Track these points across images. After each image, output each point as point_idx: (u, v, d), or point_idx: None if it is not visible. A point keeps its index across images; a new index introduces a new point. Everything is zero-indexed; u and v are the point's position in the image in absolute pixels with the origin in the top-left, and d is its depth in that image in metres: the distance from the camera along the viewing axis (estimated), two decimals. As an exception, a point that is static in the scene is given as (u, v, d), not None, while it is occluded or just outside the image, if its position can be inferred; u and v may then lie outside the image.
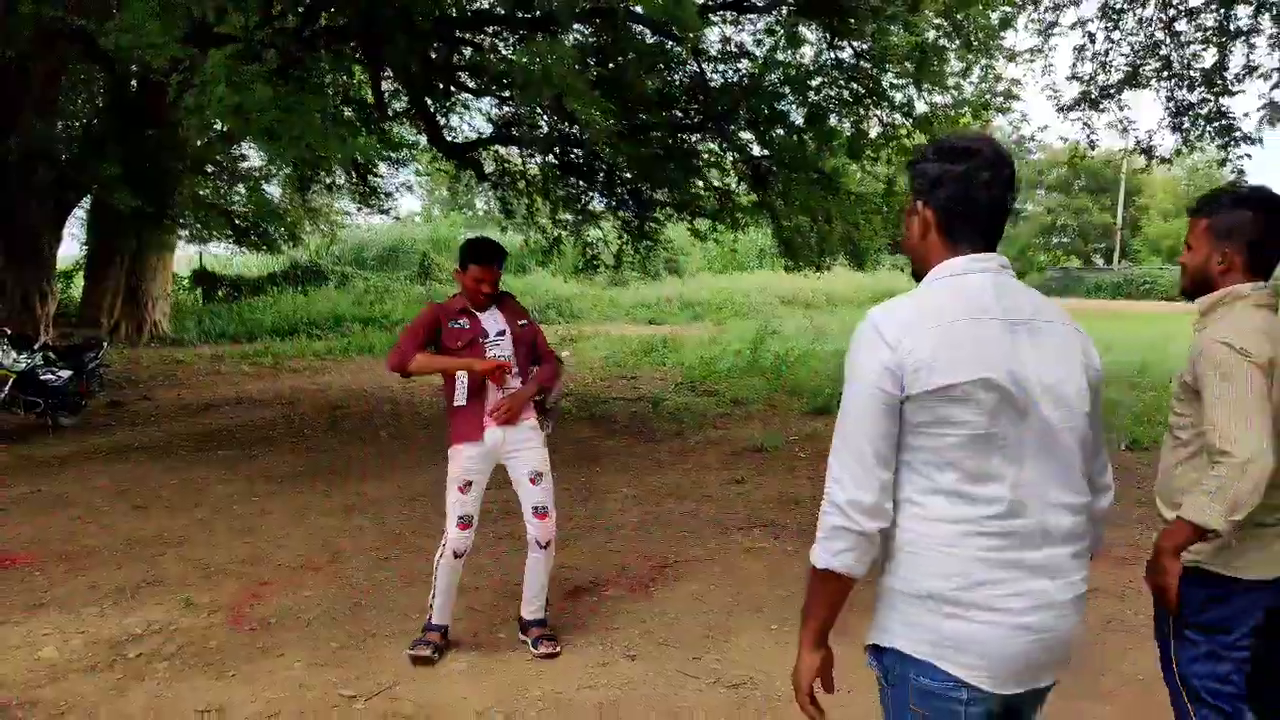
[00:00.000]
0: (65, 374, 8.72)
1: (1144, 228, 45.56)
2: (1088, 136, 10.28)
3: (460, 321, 3.91)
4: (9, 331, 8.72)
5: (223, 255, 25.01)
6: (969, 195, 1.78)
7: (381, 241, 26.35)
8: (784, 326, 16.63)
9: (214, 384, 11.76)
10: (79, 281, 17.79)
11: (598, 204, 13.27)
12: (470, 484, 3.81)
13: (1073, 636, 1.76)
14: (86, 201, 16.53)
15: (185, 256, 23.84)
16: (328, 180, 14.52)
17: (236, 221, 19.54)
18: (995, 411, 1.67)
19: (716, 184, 11.76)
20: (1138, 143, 10.12)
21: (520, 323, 4.02)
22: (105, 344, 9.77)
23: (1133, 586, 4.65)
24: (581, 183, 12.36)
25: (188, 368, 13.05)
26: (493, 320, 3.95)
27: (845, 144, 10.43)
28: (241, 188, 19.06)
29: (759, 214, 11.50)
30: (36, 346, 8.72)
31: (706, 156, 11.69)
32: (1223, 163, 9.65)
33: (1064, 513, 1.74)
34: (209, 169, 17.49)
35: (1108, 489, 1.98)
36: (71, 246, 21.18)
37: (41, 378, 8.52)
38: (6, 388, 8.18)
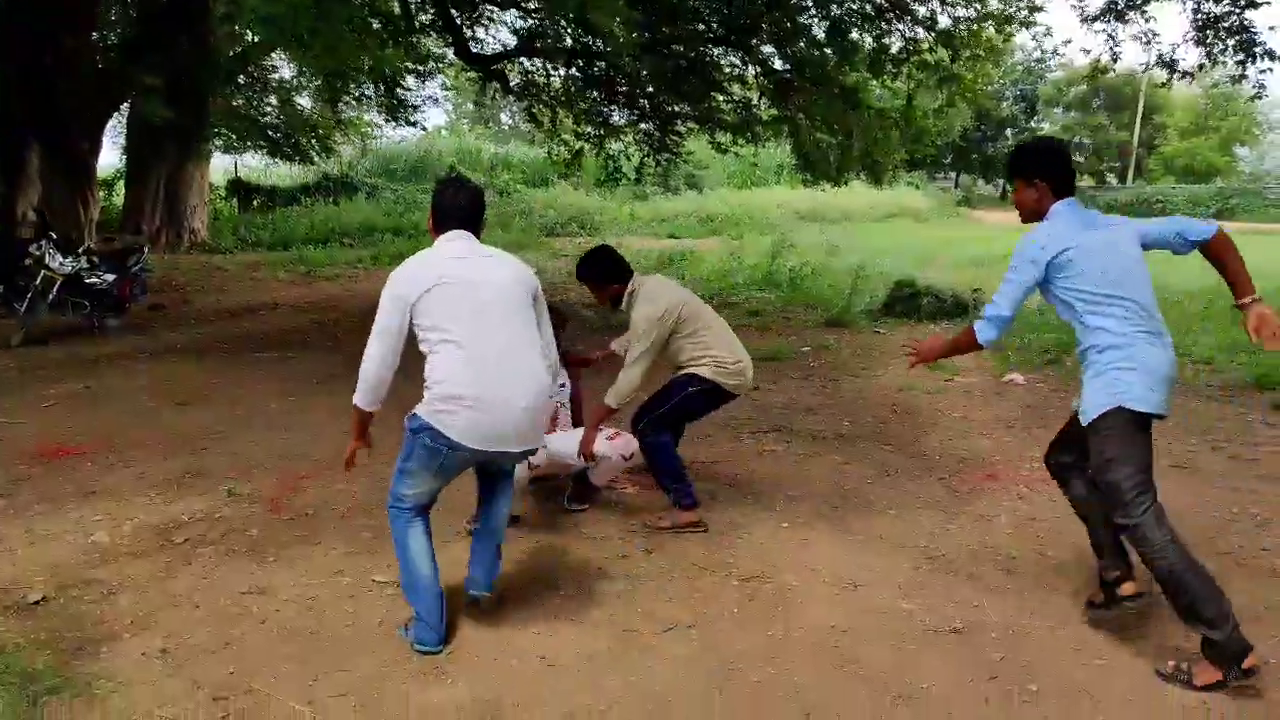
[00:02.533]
0: (109, 277, 8.75)
1: (1160, 146, 44.28)
2: (1111, 49, 9.88)
3: None
4: (54, 236, 8.72)
5: (257, 167, 24.86)
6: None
7: (410, 154, 26.02)
8: (800, 241, 16.37)
9: (251, 290, 11.79)
10: (121, 190, 17.74)
11: (619, 118, 13.00)
12: None
13: (521, 427, 3.01)
14: (126, 111, 16.42)
15: (221, 167, 23.69)
16: (356, 92, 14.25)
17: (270, 133, 19.34)
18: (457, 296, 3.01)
19: (737, 98, 11.46)
20: (1160, 56, 9.71)
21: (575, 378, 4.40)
22: (146, 249, 9.78)
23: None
24: (604, 96, 12.08)
25: (225, 274, 13.08)
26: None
27: (866, 59, 10.10)
28: (273, 99, 18.79)
29: (779, 128, 11.23)
30: (81, 251, 8.74)
31: (728, 70, 11.37)
32: (1241, 78, 9.26)
33: (520, 354, 3.05)
34: (241, 80, 17.21)
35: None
36: (115, 156, 21.13)
37: (86, 281, 8.56)
38: (54, 290, 8.23)
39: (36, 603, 3.30)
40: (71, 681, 2.80)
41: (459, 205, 3.22)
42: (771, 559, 3.79)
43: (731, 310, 10.54)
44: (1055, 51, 42.59)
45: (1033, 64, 42.65)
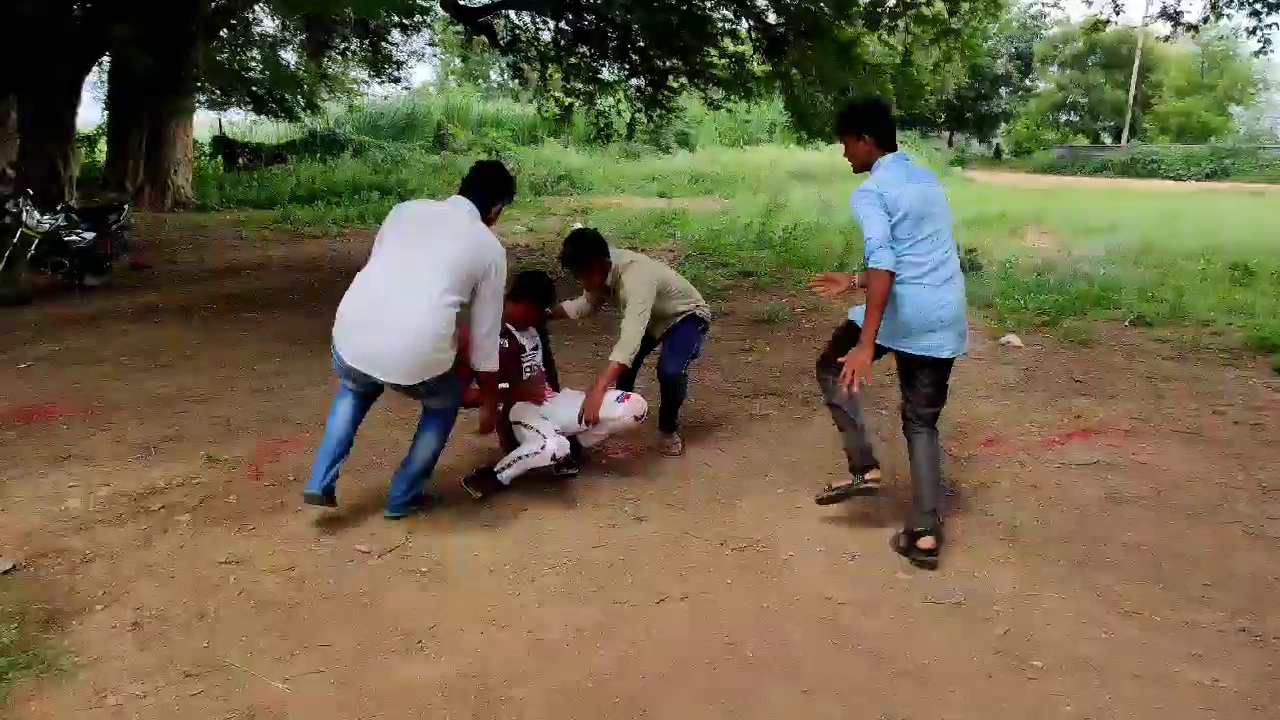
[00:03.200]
0: (89, 235, 8.50)
1: (1156, 105, 43.90)
2: (1113, 2, 9.62)
3: (501, 341, 3.86)
4: (31, 192, 8.46)
5: (243, 124, 24.39)
6: None
7: (398, 111, 25.55)
8: (792, 200, 16.15)
9: (236, 249, 11.53)
10: (104, 147, 17.35)
11: (610, 73, 12.71)
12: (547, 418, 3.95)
13: (385, 358, 3.29)
14: (108, 67, 16.00)
15: (206, 124, 23.22)
16: (341, 46, 13.87)
17: (254, 89, 18.93)
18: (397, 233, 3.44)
19: (730, 53, 11.18)
20: (1164, 8, 9.47)
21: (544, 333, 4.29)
22: (127, 206, 9.52)
23: (1135, 458, 4.54)
24: (594, 50, 11.77)
25: (210, 233, 12.79)
26: (528, 337, 4.09)
27: (862, 12, 9.83)
28: (257, 54, 18.35)
29: (773, 84, 10.97)
30: (59, 208, 8.49)
31: (721, 24, 11.06)
32: (1253, 31, 9.04)
33: (407, 296, 3.26)
34: (224, 33, 16.77)
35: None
36: (97, 111, 20.64)
37: (66, 239, 8.31)
38: (32, 248, 7.99)
39: (6, 572, 3.16)
40: (39, 656, 2.67)
41: (466, 176, 3.61)
42: (766, 527, 3.68)
43: (724, 271, 10.38)
44: (1055, 2, 41.89)
45: (1028, 20, 42.07)
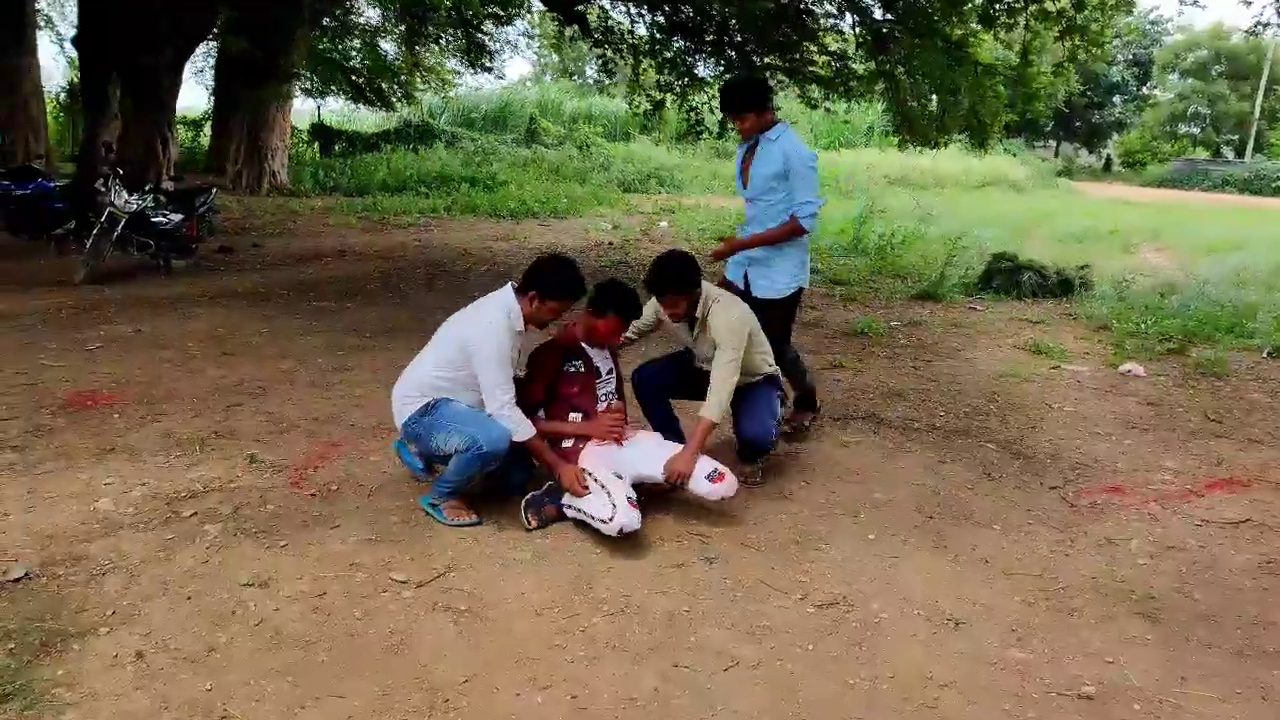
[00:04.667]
0: (176, 217, 8.48)
1: (1283, 120, 41.10)
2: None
3: (575, 364, 3.62)
4: (121, 172, 8.46)
5: (341, 113, 24.74)
6: None
7: (491, 103, 25.55)
8: (889, 206, 15.38)
9: (321, 235, 11.48)
10: (208, 131, 17.71)
11: (704, 69, 12.23)
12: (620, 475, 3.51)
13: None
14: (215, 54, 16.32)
15: (306, 112, 23.62)
16: (436, 34, 13.75)
17: (353, 77, 19.08)
18: None
19: (832, 49, 10.57)
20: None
21: (616, 354, 3.89)
22: (215, 189, 9.50)
23: (1290, 520, 3.87)
24: (689, 44, 11.32)
25: (299, 218, 12.82)
26: (602, 359, 3.69)
27: (978, 8, 9.12)
28: (357, 43, 18.47)
29: (875, 83, 10.33)
30: (147, 189, 8.48)
31: (823, 19, 10.47)
32: None
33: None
34: (325, 21, 16.91)
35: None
36: (204, 97, 21.18)
37: (152, 220, 8.29)
38: (119, 228, 7.98)
39: (17, 580, 2.90)
40: (27, 688, 2.38)
41: None
42: (855, 581, 3.18)
43: (814, 278, 9.75)
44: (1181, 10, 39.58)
45: (1147, 26, 39.85)
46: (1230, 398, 5.82)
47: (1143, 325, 7.72)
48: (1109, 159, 41.97)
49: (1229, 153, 41.86)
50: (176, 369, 5.37)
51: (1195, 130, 43.50)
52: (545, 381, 3.63)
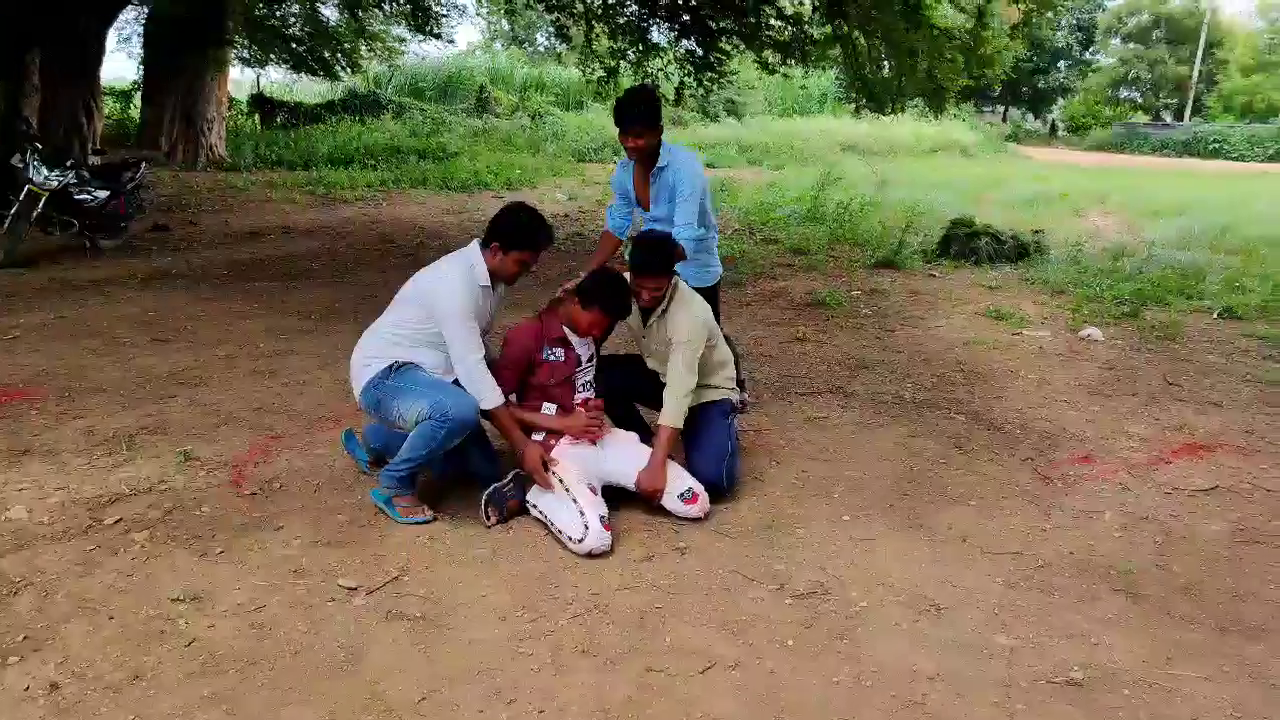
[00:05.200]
0: (102, 194, 7.98)
1: (1220, 83, 41.80)
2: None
3: (556, 352, 3.32)
4: (40, 147, 7.95)
5: (282, 83, 23.90)
6: None
7: (440, 73, 24.86)
8: (846, 174, 15.26)
9: (263, 212, 11.00)
10: (139, 102, 16.93)
11: (659, 35, 11.92)
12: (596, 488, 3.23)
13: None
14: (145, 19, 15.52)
15: (246, 82, 22.78)
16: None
17: (293, 45, 18.34)
18: None
19: (788, 13, 10.34)
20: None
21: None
22: (145, 164, 8.99)
23: (1260, 484, 3.81)
24: (643, 9, 11.00)
25: (240, 193, 12.29)
26: (584, 345, 3.40)
27: (933, -32, 8.95)
28: (295, 8, 17.73)
29: (832, 47, 10.13)
30: (68, 164, 7.98)
31: (778, -19, 10.22)
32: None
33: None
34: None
35: None
36: (132, 67, 20.23)
37: (76, 197, 7.80)
38: (39, 206, 7.49)
39: (-80, 602, 2.62)
40: (-74, 727, 2.12)
41: None
42: (831, 566, 3.03)
43: (774, 248, 9.66)
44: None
45: (1091, -9, 40.17)
46: (1186, 360, 5.79)
47: (1098, 289, 7.70)
48: (1054, 124, 42.37)
49: (1168, 116, 42.54)
50: (102, 358, 5.03)
51: (1136, 95, 44.08)
52: (519, 367, 3.36)
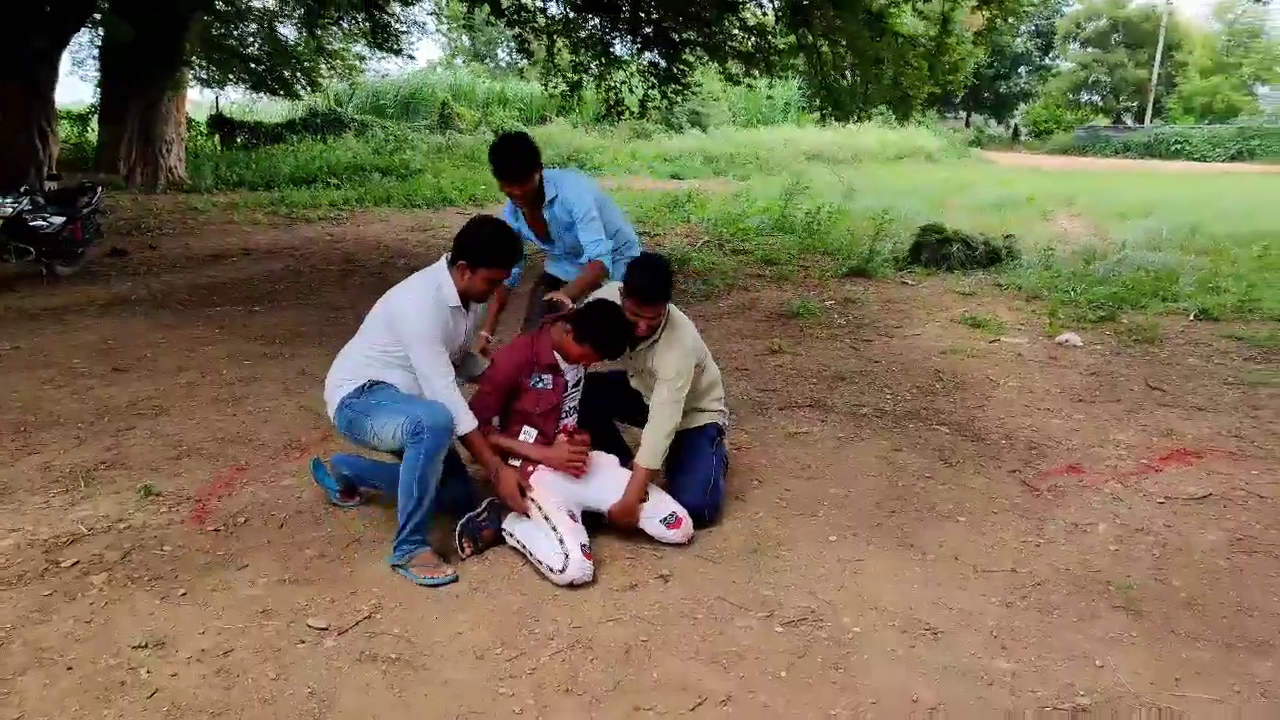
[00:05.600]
0: (58, 220, 7.77)
1: (1180, 85, 42.61)
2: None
3: (544, 379, 3.18)
4: (-9, 174, 7.73)
5: (242, 103, 23.63)
6: None
7: (401, 89, 24.71)
8: (812, 183, 15.29)
9: (225, 234, 10.79)
10: (95, 126, 16.61)
11: (622, 47, 11.89)
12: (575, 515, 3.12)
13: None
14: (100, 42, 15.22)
15: (206, 104, 22.48)
16: (336, 14, 13.05)
17: (252, 65, 18.14)
18: None
19: (752, 23, 10.34)
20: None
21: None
22: (100, 188, 8.77)
23: (1253, 490, 3.78)
24: (605, 22, 10.95)
25: (200, 215, 12.06)
26: (574, 370, 3.23)
27: (896, -23, 8.99)
28: (253, 27, 17.54)
29: (796, 56, 10.14)
30: (22, 190, 7.76)
31: (742, -8, 10.22)
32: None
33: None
34: (219, 5, 15.96)
35: None
36: (89, 90, 19.88)
37: (31, 224, 7.59)
38: (-7, 234, 7.28)
39: None
40: None
41: None
42: (821, 591, 2.94)
43: (744, 259, 9.62)
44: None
45: (1049, -1, 40.86)
46: (1167, 364, 5.79)
47: (1073, 293, 7.72)
48: (1016, 128, 42.97)
49: (1129, 119, 43.29)
50: (60, 390, 4.85)
51: (1096, 98, 44.83)
52: (504, 392, 3.21)
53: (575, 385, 3.31)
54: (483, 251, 3.05)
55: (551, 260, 4.17)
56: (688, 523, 3.19)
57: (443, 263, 3.14)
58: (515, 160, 3.62)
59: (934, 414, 4.75)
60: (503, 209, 3.96)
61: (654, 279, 3.18)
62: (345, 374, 3.17)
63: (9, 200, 7.45)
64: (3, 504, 3.43)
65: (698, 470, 3.36)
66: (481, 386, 3.27)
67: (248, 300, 7.29)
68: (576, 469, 3.17)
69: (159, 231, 10.70)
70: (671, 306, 3.36)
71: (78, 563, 3.01)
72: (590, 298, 3.46)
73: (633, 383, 3.54)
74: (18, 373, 5.11)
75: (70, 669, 2.45)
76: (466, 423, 3.07)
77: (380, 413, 3.03)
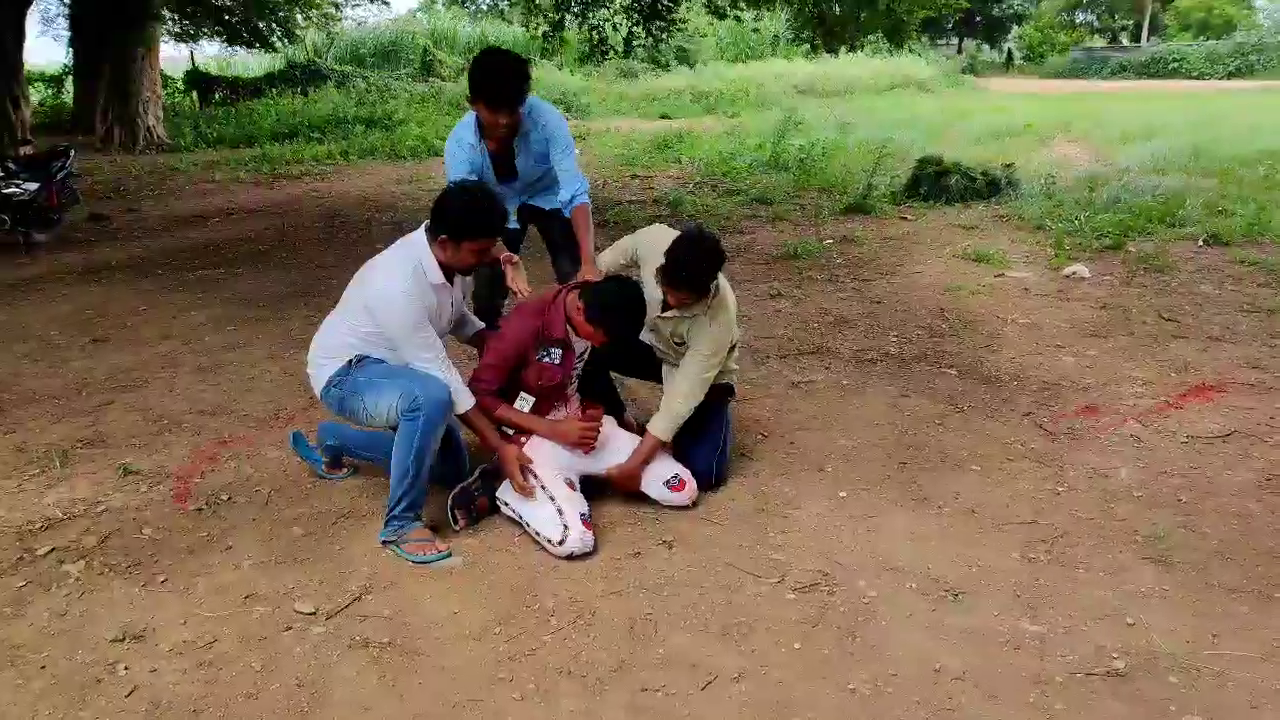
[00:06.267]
0: (31, 186, 7.49)
1: (1175, 1, 41.55)
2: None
3: (553, 354, 2.93)
4: (-43, 141, 7.43)
5: (219, 57, 22.99)
6: None
7: (381, 38, 24.01)
8: (804, 117, 14.89)
9: (206, 194, 10.48)
10: (71, 87, 16.16)
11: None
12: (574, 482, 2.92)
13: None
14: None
15: (181, 60, 21.86)
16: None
17: (225, 17, 17.56)
18: None
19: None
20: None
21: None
22: (73, 151, 8.45)
23: (1278, 424, 3.62)
24: (587, -44, 10.50)
25: (180, 176, 11.72)
26: (583, 343, 2.97)
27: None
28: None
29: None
30: (-9, 157, 7.47)
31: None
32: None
33: None
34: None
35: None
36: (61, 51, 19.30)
37: (4, 191, 7.32)
38: (-37, 203, 7.01)
39: None
40: None
41: None
42: (834, 552, 2.79)
43: (737, 198, 9.34)
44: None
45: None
46: (1179, 293, 5.60)
47: (1077, 222, 7.49)
48: (1010, 53, 42.04)
49: (1125, 39, 42.33)
50: (37, 364, 4.65)
51: (1092, 17, 43.78)
52: (509, 365, 2.98)
53: (581, 356, 3.10)
54: (465, 223, 2.76)
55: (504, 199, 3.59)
56: (692, 485, 3.03)
57: (421, 235, 2.86)
58: (513, 84, 3.11)
59: (941, 356, 4.57)
60: (452, 139, 3.42)
61: (694, 265, 2.85)
62: (328, 352, 2.96)
63: (-23, 169, 7.16)
64: (-26, 490, 3.26)
65: (708, 433, 3.16)
66: (484, 357, 3.05)
67: (231, 263, 7.05)
68: (588, 444, 2.97)
69: (139, 193, 10.39)
70: (720, 276, 3.05)
71: (53, 550, 2.85)
72: (605, 263, 3.26)
73: (647, 337, 3.27)
74: (-8, 348, 4.91)
75: (44, 668, 2.31)
76: (465, 401, 2.87)
77: (372, 390, 2.83)
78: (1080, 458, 3.39)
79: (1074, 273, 6.06)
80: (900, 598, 2.55)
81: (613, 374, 3.51)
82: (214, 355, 4.78)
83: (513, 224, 3.50)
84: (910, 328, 5.04)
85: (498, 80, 3.11)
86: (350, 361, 2.90)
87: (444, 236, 2.79)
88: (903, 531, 2.90)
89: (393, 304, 2.77)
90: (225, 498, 3.19)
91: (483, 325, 3.24)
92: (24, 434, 3.76)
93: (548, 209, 3.66)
